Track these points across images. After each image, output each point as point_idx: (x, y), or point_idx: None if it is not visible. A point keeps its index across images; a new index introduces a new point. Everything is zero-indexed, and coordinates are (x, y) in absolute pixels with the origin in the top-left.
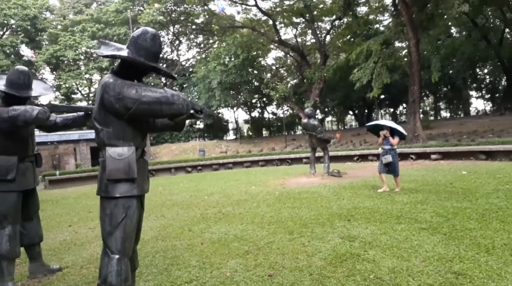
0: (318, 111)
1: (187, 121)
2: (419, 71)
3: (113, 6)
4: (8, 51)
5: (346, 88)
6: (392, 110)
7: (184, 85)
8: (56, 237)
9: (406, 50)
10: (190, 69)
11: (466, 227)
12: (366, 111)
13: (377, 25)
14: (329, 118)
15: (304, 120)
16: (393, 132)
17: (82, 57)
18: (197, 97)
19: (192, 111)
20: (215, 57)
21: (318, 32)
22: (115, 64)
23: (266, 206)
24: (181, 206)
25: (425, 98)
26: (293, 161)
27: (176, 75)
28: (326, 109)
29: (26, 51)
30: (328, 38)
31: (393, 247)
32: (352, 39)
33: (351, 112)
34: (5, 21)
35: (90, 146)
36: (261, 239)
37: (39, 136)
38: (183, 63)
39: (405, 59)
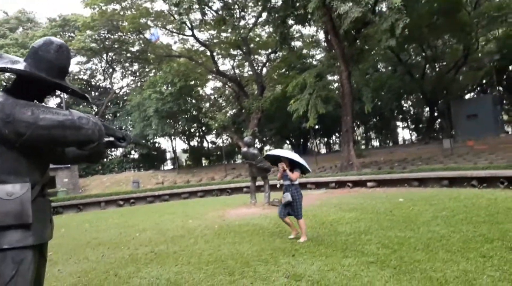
0: (256, 140)
1: (108, 150)
2: (351, 102)
3: (40, 31)
4: None
5: (283, 118)
6: (326, 139)
7: (118, 114)
8: None
9: (338, 83)
10: (125, 98)
11: (414, 258)
12: (302, 140)
13: (311, 59)
14: (267, 147)
15: (244, 149)
16: (294, 165)
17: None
18: (131, 126)
19: (111, 139)
20: (151, 85)
21: (255, 64)
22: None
23: (204, 243)
24: (108, 246)
25: (356, 128)
26: (233, 190)
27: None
28: (264, 139)
29: None
30: (264, 70)
31: None
32: (287, 72)
33: (288, 141)
34: None
35: None
36: (197, 283)
37: None
38: (117, 91)
39: (337, 91)
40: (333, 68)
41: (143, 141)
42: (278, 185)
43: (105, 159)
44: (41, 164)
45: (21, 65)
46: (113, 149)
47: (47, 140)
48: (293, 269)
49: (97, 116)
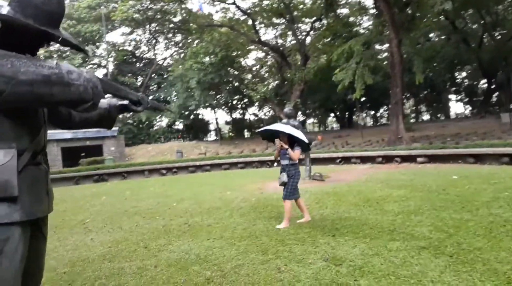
0: (299, 112)
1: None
2: (401, 72)
3: (85, 2)
4: None
5: (327, 90)
6: (373, 112)
7: (161, 85)
8: None
9: (387, 53)
10: (168, 69)
11: (474, 246)
12: (347, 113)
13: (358, 27)
14: (310, 120)
15: (284, 121)
16: (294, 141)
17: (55, 55)
18: (175, 97)
19: (125, 102)
20: (192, 56)
21: (298, 33)
22: None
23: (240, 216)
24: (144, 215)
25: (405, 100)
26: (274, 163)
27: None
28: (307, 111)
29: None
30: (308, 39)
31: (389, 274)
32: (332, 41)
33: (332, 114)
34: None
35: (61, 146)
36: (228, 261)
37: None
38: (161, 62)
39: (386, 61)
40: (382, 36)
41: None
42: (275, 164)
43: (150, 129)
44: (32, 127)
45: (3, 10)
46: (158, 119)
47: (31, 98)
48: (332, 251)
49: (142, 88)
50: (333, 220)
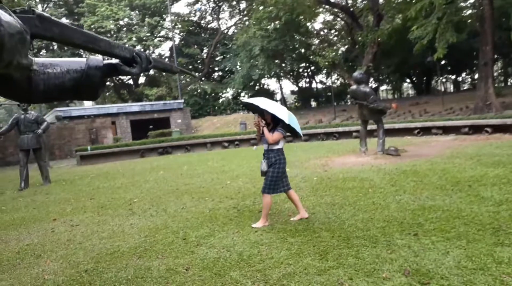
0: (371, 79)
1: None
2: (492, 28)
3: None
4: None
5: (403, 53)
6: (454, 77)
7: (226, 55)
8: (26, 237)
9: (470, 10)
10: (233, 38)
11: None
12: (425, 78)
13: None
14: (383, 87)
15: (353, 87)
16: (276, 121)
17: (125, 29)
18: (239, 67)
19: (113, 61)
20: (256, 22)
21: None
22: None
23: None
24: (193, 195)
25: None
26: (341, 135)
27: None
28: (380, 77)
29: None
30: None
31: None
32: None
33: (408, 80)
34: None
35: (130, 119)
36: (275, 266)
37: (75, 109)
38: (225, 31)
39: (470, 18)
40: None
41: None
42: (255, 148)
43: (216, 101)
44: None
45: None
46: (223, 91)
47: None
48: (415, 259)
49: (207, 58)
50: (413, 210)
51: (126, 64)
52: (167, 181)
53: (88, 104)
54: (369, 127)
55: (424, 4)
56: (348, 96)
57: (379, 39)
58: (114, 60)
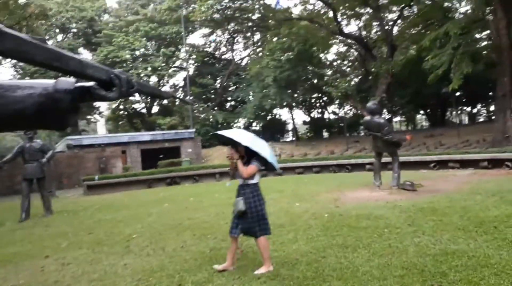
0: (385, 110)
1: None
2: (510, 59)
3: (165, 4)
4: None
5: (417, 84)
6: (469, 108)
7: (239, 85)
8: (13, 277)
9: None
10: (247, 68)
11: None
12: (439, 109)
13: (454, 13)
14: (397, 118)
15: (367, 118)
16: (252, 155)
17: (140, 59)
18: (252, 96)
19: (87, 85)
20: (269, 53)
21: (384, 23)
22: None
23: (306, 241)
24: (195, 231)
25: None
26: (354, 167)
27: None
28: (394, 108)
29: (85, 54)
30: (395, 29)
31: None
32: (423, 30)
33: (422, 111)
34: (66, 25)
35: (141, 148)
36: None
37: (86, 138)
38: (239, 62)
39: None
40: (483, 22)
41: (260, 112)
42: (228, 184)
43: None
44: None
45: None
46: (235, 120)
47: None
48: None
49: (220, 89)
50: (434, 255)
51: (103, 87)
52: (171, 214)
53: (100, 132)
54: (383, 160)
55: (438, 34)
56: (361, 127)
57: (392, 70)
58: (90, 83)
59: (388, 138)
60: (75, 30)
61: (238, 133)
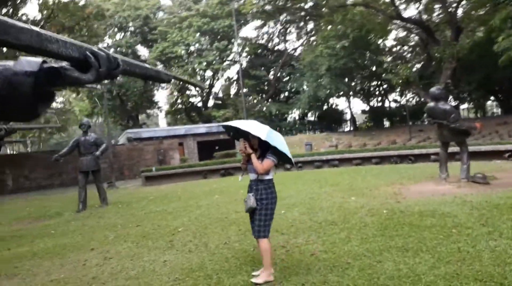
0: (450, 96)
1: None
2: None
3: None
4: (124, 51)
5: (487, 69)
6: None
7: (292, 76)
8: (56, 270)
9: None
10: (300, 58)
11: None
12: None
13: None
14: (464, 105)
15: (431, 104)
16: (266, 147)
17: (195, 54)
18: (306, 86)
19: (55, 65)
20: (323, 41)
21: (447, 4)
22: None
23: (360, 242)
24: (241, 226)
25: None
26: (418, 158)
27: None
28: (461, 95)
29: (142, 51)
30: (460, 11)
31: None
32: (492, 10)
33: (493, 97)
34: (123, 24)
35: (197, 140)
36: None
37: (145, 131)
38: (291, 52)
39: None
40: None
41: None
42: (240, 178)
43: (282, 121)
44: None
45: None
46: (290, 111)
47: None
48: None
49: (273, 80)
50: None
51: (78, 67)
52: (219, 207)
53: (161, 126)
54: (450, 149)
55: (509, 12)
56: (425, 115)
57: (458, 54)
58: (62, 63)
59: (455, 126)
60: (132, 29)
61: (253, 126)
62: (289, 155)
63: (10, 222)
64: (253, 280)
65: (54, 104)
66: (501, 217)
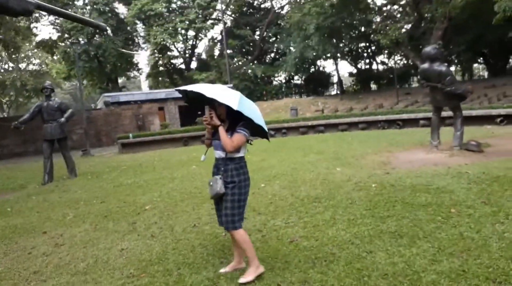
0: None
1: None
2: None
3: None
4: (101, 9)
5: (478, 29)
6: None
7: (278, 36)
8: None
9: None
10: (285, 17)
11: None
12: (503, 57)
13: None
14: (451, 68)
15: (424, 65)
16: (235, 118)
17: (177, 12)
18: (293, 47)
19: None
20: None
21: None
22: None
23: (346, 224)
24: (213, 206)
25: None
26: (406, 123)
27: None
28: (450, 57)
29: (120, 8)
30: None
31: None
32: None
33: (481, 59)
34: None
35: (178, 105)
36: None
37: (123, 95)
38: (278, 10)
39: None
40: None
41: (302, 64)
42: (202, 158)
43: (267, 85)
44: None
45: None
46: (275, 74)
47: None
48: None
49: (259, 40)
50: None
51: None
52: (194, 180)
53: (144, 89)
54: (442, 114)
55: None
56: (415, 78)
57: (450, 13)
58: None
59: (450, 90)
60: None
61: (220, 91)
62: (265, 128)
63: None
64: (241, 280)
65: (30, 67)
66: (503, 193)
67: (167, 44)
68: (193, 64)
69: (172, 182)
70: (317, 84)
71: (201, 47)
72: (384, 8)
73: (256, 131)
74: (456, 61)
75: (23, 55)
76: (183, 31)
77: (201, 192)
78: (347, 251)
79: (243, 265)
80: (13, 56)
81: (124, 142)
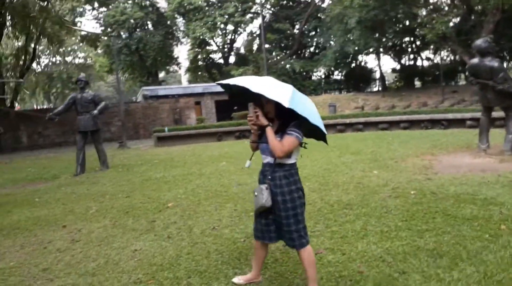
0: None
1: None
2: None
3: None
4: (142, 4)
5: None
6: None
7: (318, 29)
8: (11, 253)
9: None
10: (326, 10)
11: None
12: None
13: None
14: (504, 64)
15: (475, 60)
16: (286, 116)
17: (216, 6)
18: (333, 42)
19: None
20: None
21: None
22: None
23: (379, 237)
24: (238, 205)
25: None
26: (451, 123)
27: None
28: (502, 53)
29: (161, 2)
30: None
31: None
32: None
33: None
34: None
35: (215, 99)
36: None
37: (162, 88)
38: (318, 3)
39: None
40: None
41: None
42: (247, 164)
43: (306, 80)
44: None
45: None
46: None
47: None
48: None
49: (297, 34)
50: None
51: None
52: (222, 177)
53: (184, 83)
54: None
55: None
56: (462, 75)
57: (503, 4)
58: None
59: (503, 88)
60: None
61: (269, 85)
62: (324, 129)
63: (4, 185)
64: None
65: (76, 60)
66: None
67: (206, 38)
68: (231, 59)
69: (199, 179)
70: (358, 80)
71: (240, 41)
72: (431, 0)
73: (311, 132)
74: (508, 57)
75: (69, 49)
76: (222, 25)
77: (227, 191)
78: (376, 270)
79: (259, 279)
80: (60, 50)
81: (160, 135)
